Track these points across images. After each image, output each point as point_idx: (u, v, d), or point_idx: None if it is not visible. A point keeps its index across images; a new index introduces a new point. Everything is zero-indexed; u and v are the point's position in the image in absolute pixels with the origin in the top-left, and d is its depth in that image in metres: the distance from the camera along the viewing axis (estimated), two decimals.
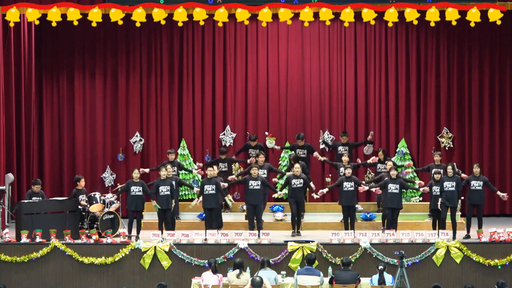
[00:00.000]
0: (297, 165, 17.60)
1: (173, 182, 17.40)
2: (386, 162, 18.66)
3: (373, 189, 17.65)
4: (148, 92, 21.12)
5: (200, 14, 17.60)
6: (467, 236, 16.79)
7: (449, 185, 16.85)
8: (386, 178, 17.43)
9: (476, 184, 17.00)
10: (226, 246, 16.15)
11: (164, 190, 17.03)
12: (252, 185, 17.24)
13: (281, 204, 19.12)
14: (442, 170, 17.93)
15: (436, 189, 17.08)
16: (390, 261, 15.76)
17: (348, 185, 17.34)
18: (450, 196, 16.80)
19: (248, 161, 19.30)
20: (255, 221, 17.19)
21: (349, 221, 17.41)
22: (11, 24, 18.15)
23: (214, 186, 17.15)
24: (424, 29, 20.60)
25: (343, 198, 17.43)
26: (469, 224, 17.03)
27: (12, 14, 17.76)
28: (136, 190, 17.12)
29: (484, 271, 15.89)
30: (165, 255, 16.10)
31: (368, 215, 18.70)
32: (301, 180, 17.44)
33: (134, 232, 17.16)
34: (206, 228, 17.07)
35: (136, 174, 17.32)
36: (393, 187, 17.14)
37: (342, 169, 18.26)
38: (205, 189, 17.17)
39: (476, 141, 20.88)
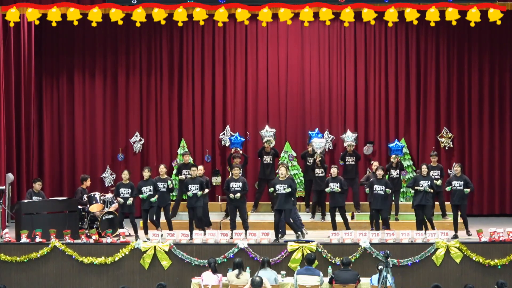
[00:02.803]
0: (282, 169, 16.87)
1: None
2: (372, 162, 18.66)
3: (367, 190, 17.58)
4: (148, 92, 21.12)
5: (200, 14, 17.59)
6: (455, 236, 16.70)
7: (457, 184, 16.94)
8: (372, 179, 17.39)
9: (457, 184, 16.95)
10: (226, 246, 16.14)
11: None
12: (233, 187, 17.21)
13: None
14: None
15: (423, 183, 17.00)
16: (390, 261, 15.72)
17: (333, 186, 17.29)
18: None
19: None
20: (237, 221, 17.20)
21: (336, 221, 17.33)
22: (11, 24, 18.14)
23: (198, 185, 17.14)
24: (424, 29, 20.60)
25: (330, 198, 17.41)
26: (455, 224, 16.97)
27: (12, 14, 17.75)
28: (124, 192, 17.06)
29: (484, 271, 15.88)
30: (165, 255, 16.09)
31: None
32: (285, 186, 16.56)
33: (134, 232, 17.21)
34: (190, 229, 16.96)
35: (125, 175, 17.26)
36: (378, 188, 17.09)
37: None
38: (189, 189, 17.16)
39: (476, 141, 20.89)
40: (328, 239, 16.35)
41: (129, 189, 17.01)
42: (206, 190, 17.55)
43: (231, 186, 17.20)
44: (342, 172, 19.12)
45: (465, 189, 16.80)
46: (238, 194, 17.06)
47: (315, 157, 18.67)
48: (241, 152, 19.39)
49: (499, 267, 15.87)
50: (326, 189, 17.25)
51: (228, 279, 14.59)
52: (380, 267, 14.38)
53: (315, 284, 14.39)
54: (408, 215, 18.69)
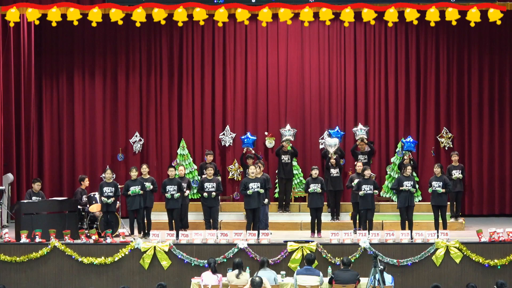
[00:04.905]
0: (252, 167, 17.06)
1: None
2: (356, 163, 18.65)
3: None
4: (148, 92, 21.12)
5: (200, 14, 17.61)
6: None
7: (436, 185, 16.95)
8: (359, 180, 17.34)
9: (436, 185, 16.95)
10: (226, 246, 16.13)
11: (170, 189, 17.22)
12: (207, 187, 17.27)
13: None
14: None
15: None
16: (389, 261, 15.75)
17: (314, 187, 17.31)
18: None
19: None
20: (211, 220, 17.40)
21: (316, 221, 17.41)
22: (11, 24, 18.16)
23: (175, 187, 17.15)
24: (424, 29, 20.60)
25: (310, 200, 17.44)
26: (436, 225, 17.02)
27: (12, 14, 17.76)
28: (108, 191, 17.09)
29: (484, 271, 15.86)
30: (165, 255, 16.09)
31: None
32: (258, 184, 16.87)
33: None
34: (170, 228, 17.13)
35: (108, 174, 17.27)
36: (367, 188, 17.08)
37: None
38: (167, 190, 17.19)
39: (476, 141, 20.88)
40: (328, 239, 16.34)
41: (113, 188, 17.10)
42: (187, 192, 17.67)
43: (205, 187, 17.27)
44: (354, 169, 19.11)
45: (440, 189, 16.85)
46: (214, 193, 17.23)
47: (329, 155, 18.75)
48: (253, 152, 19.42)
49: (499, 267, 15.86)
50: (309, 190, 17.30)
51: (228, 279, 14.58)
52: (380, 267, 14.38)
53: (315, 284, 14.38)
54: (416, 215, 18.63)
